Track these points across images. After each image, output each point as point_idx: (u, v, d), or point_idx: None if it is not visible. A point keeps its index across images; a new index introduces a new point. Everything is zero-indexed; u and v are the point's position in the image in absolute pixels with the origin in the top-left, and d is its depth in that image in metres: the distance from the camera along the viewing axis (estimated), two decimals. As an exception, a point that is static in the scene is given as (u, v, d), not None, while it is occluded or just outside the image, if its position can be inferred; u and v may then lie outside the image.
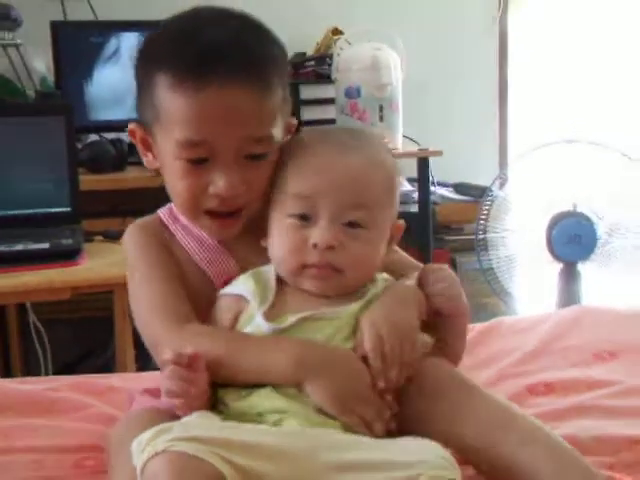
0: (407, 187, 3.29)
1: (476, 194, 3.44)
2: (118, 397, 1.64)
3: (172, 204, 1.42)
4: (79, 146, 2.93)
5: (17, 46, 3.12)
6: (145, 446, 1.07)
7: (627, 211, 3.12)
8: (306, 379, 1.20)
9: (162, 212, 1.44)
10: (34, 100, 3.14)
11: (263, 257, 1.35)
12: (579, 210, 3.13)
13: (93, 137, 3.16)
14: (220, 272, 1.38)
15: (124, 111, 3.17)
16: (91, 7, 3.34)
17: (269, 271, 1.33)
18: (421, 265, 1.44)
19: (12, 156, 2.58)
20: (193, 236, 1.39)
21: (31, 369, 3.06)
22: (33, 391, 1.67)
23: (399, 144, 3.30)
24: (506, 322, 1.99)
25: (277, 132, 1.32)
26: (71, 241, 2.43)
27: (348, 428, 1.19)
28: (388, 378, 1.22)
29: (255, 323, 1.27)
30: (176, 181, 1.31)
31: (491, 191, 3.17)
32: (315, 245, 1.26)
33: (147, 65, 1.33)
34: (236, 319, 1.30)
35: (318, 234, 1.26)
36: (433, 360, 1.31)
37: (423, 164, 3.33)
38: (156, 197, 2.87)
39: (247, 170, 1.29)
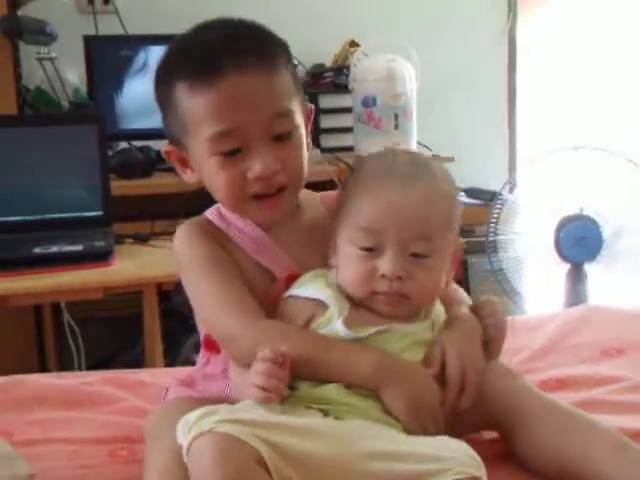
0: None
1: (486, 198, 3.44)
2: (148, 391, 1.66)
3: (218, 206, 1.42)
4: (110, 153, 2.93)
5: (52, 59, 3.13)
6: (192, 426, 1.09)
7: (632, 215, 3.11)
8: (385, 385, 1.24)
9: (210, 214, 1.43)
10: (68, 110, 3.15)
11: (315, 256, 1.38)
12: (585, 213, 3.12)
13: (123, 145, 3.17)
14: (280, 266, 1.37)
15: (152, 120, 3.17)
16: (121, 22, 3.34)
17: (333, 278, 1.35)
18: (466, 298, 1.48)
19: (47, 163, 2.59)
20: (247, 235, 1.38)
21: (65, 365, 3.07)
22: (68, 385, 1.69)
23: (413, 150, 3.30)
24: (516, 321, 1.97)
25: (296, 109, 1.33)
26: (103, 243, 2.45)
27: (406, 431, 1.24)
28: (457, 404, 1.27)
29: (333, 328, 1.28)
30: (215, 177, 1.31)
31: (501, 195, 3.16)
32: (384, 276, 1.28)
33: (164, 84, 1.34)
34: (309, 321, 1.31)
35: (387, 266, 1.28)
36: None
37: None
38: (183, 201, 2.90)
39: (277, 151, 1.30)
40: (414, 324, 1.33)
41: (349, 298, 1.33)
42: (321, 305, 1.32)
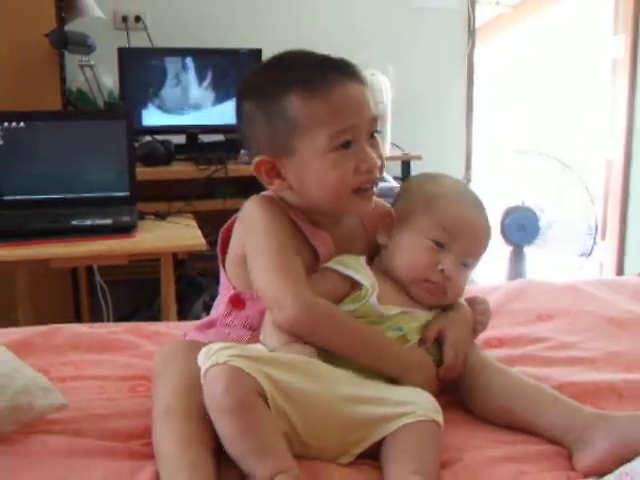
0: (392, 183, 3.30)
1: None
2: (162, 339, 1.66)
3: (267, 192, 1.38)
4: (136, 145, 2.93)
5: (91, 66, 3.12)
6: (212, 355, 1.11)
7: (562, 207, 3.13)
8: (405, 377, 1.26)
9: (269, 194, 1.37)
10: (102, 108, 3.15)
11: (353, 243, 1.38)
12: (526, 205, 3.15)
13: (147, 138, 3.16)
14: (326, 251, 1.34)
15: (171, 118, 3.21)
16: (149, 37, 3.35)
17: (364, 261, 1.35)
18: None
19: (84, 151, 2.58)
20: (301, 217, 1.34)
21: (96, 318, 3.08)
22: (97, 333, 1.68)
23: (387, 149, 3.30)
24: (467, 290, 1.98)
25: None
26: (128, 218, 2.44)
27: None
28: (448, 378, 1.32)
29: (367, 302, 1.29)
30: (327, 174, 1.25)
31: (458, 188, 3.16)
32: (442, 270, 1.32)
33: (270, 96, 1.28)
34: (344, 295, 1.31)
35: (449, 264, 1.32)
36: None
37: (406, 166, 3.37)
38: (195, 186, 2.90)
39: (375, 147, 1.29)
40: (429, 312, 1.35)
41: (378, 279, 1.33)
42: (355, 283, 1.31)
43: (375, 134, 1.31)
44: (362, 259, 1.35)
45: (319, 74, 1.25)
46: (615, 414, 1.22)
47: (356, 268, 1.32)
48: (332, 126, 1.24)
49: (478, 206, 1.39)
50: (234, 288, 1.38)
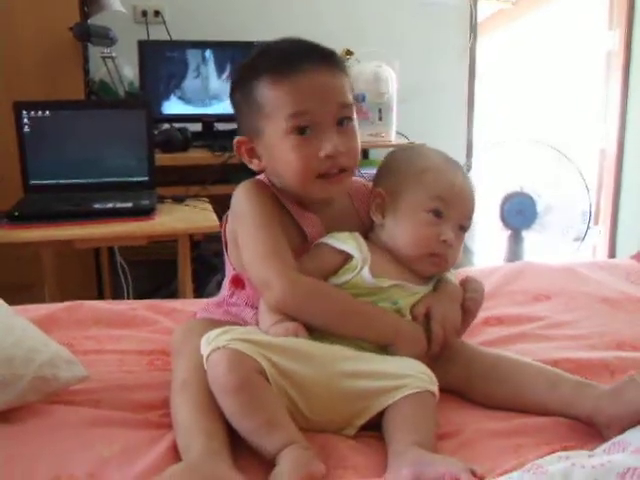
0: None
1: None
2: (179, 316, 1.66)
3: (260, 177, 1.37)
4: (155, 132, 2.91)
5: (113, 58, 3.11)
6: (212, 341, 1.11)
7: (559, 194, 3.12)
8: (396, 345, 1.23)
9: (263, 178, 1.37)
10: (123, 98, 3.13)
11: (343, 223, 1.35)
12: (525, 191, 3.13)
13: (166, 126, 3.15)
14: (315, 232, 1.33)
15: (188, 108, 3.20)
16: (167, 30, 3.33)
17: (359, 236, 1.32)
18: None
19: (106, 139, 2.57)
20: (289, 199, 1.33)
21: (117, 295, 3.08)
22: (118, 310, 1.68)
23: (393, 137, 3.29)
24: (468, 271, 1.97)
25: (353, 107, 1.31)
26: (148, 202, 2.43)
27: None
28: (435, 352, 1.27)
29: (360, 275, 1.26)
30: (289, 156, 1.24)
31: (460, 175, 3.15)
32: (445, 241, 1.28)
33: (245, 83, 1.29)
34: (337, 268, 1.28)
35: (450, 234, 1.29)
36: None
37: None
38: (211, 172, 2.89)
39: (341, 134, 1.26)
40: (421, 286, 1.32)
41: (372, 252, 1.30)
42: (347, 256, 1.29)
43: (349, 123, 1.28)
44: (356, 234, 1.32)
45: (286, 61, 1.25)
46: None
47: (347, 241, 1.30)
48: (290, 108, 1.23)
49: (462, 172, 1.36)
50: (234, 269, 1.38)
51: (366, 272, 1.26)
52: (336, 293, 1.25)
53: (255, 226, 1.28)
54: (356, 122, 1.31)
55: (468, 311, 1.34)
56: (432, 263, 1.30)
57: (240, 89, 1.31)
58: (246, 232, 1.30)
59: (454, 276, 1.40)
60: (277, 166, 1.29)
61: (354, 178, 1.36)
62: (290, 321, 1.20)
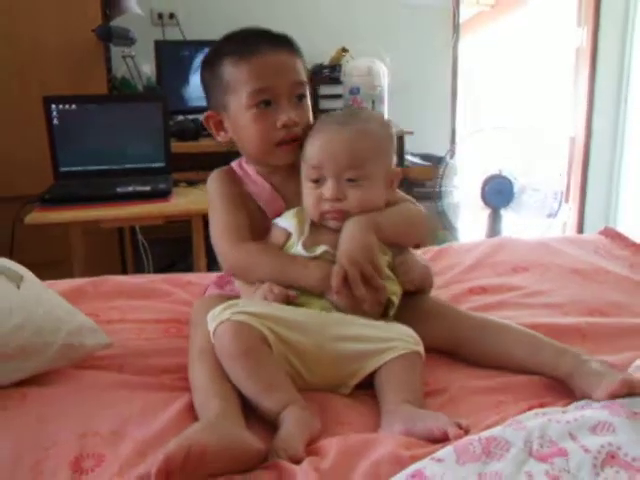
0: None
1: (435, 161, 3.40)
2: (194, 288, 1.64)
3: (240, 159, 1.39)
4: (171, 123, 2.89)
5: (132, 57, 3.08)
6: (217, 316, 1.10)
7: (531, 177, 3.11)
8: (327, 289, 1.19)
9: (234, 164, 1.40)
10: (142, 92, 3.11)
11: (299, 196, 1.31)
12: (503, 174, 3.11)
13: (180, 117, 3.12)
14: (273, 209, 1.34)
15: (200, 100, 3.14)
16: (181, 31, 3.30)
17: (303, 212, 1.29)
18: (412, 199, 1.42)
19: (127, 129, 2.55)
20: (255, 182, 1.35)
21: (138, 270, 3.07)
22: (139, 283, 1.67)
23: (384, 127, 3.26)
24: (453, 246, 1.96)
25: (306, 86, 1.32)
26: (164, 185, 2.41)
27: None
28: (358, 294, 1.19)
29: (296, 250, 1.25)
30: (251, 127, 1.27)
31: (445, 159, 3.15)
32: (327, 199, 1.24)
33: (212, 63, 1.31)
34: (283, 243, 1.28)
35: (327, 191, 1.24)
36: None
37: (400, 140, 3.30)
38: (221, 158, 2.87)
39: (297, 108, 1.28)
40: None
41: (313, 226, 1.28)
42: (288, 232, 1.28)
43: (302, 98, 1.30)
44: (301, 209, 1.30)
45: (248, 44, 1.27)
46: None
47: (288, 218, 1.29)
48: (251, 85, 1.25)
49: (342, 123, 1.26)
50: None
51: (299, 246, 1.25)
52: (272, 252, 1.27)
53: (217, 208, 1.34)
54: (309, 99, 1.33)
55: (412, 290, 1.30)
56: (332, 219, 1.25)
57: (208, 69, 1.33)
58: (211, 213, 1.35)
59: (419, 255, 1.39)
60: (241, 136, 1.32)
61: None
62: (263, 286, 1.21)
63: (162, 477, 0.85)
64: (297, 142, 1.29)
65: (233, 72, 1.26)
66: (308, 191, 1.27)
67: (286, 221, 1.29)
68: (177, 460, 0.86)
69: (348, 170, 1.23)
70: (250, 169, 1.37)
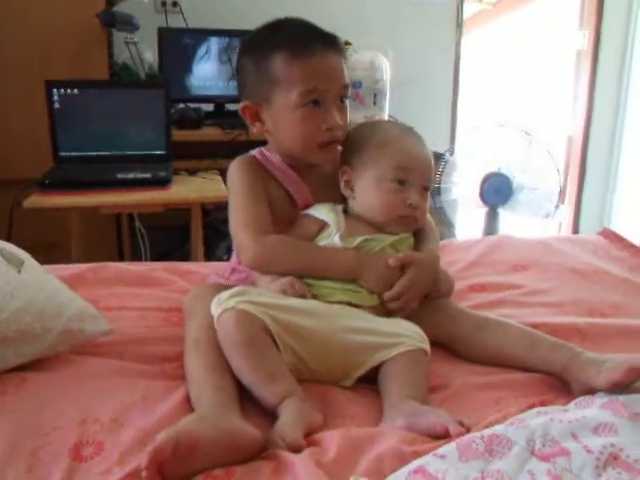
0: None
1: (434, 157, 3.40)
2: (192, 277, 1.63)
3: (261, 148, 1.37)
4: (172, 111, 2.86)
5: (135, 43, 3.05)
6: (222, 303, 1.09)
7: (529, 176, 3.11)
8: (361, 272, 1.23)
9: (255, 153, 1.37)
10: (144, 79, 3.09)
11: (329, 192, 1.34)
12: (502, 172, 3.11)
13: (181, 105, 3.09)
14: (302, 197, 1.34)
15: (202, 89, 3.15)
16: (184, 19, 3.26)
17: (339, 208, 1.32)
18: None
19: (129, 115, 2.53)
20: (282, 171, 1.34)
21: (136, 257, 3.06)
22: (138, 270, 1.65)
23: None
24: (454, 243, 1.96)
25: (349, 85, 1.32)
26: (165, 173, 2.39)
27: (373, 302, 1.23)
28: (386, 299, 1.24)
29: (331, 241, 1.26)
30: (296, 127, 1.26)
31: (444, 156, 3.14)
32: (411, 205, 1.28)
33: (258, 54, 1.28)
34: (315, 235, 1.29)
35: (415, 197, 1.29)
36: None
37: (400, 136, 3.30)
38: (221, 147, 2.86)
39: (341, 110, 1.28)
40: (387, 236, 1.30)
41: (347, 220, 1.30)
42: (325, 224, 1.30)
43: (344, 100, 1.30)
44: (337, 207, 1.33)
45: (302, 41, 1.25)
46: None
47: (325, 212, 1.31)
48: (304, 86, 1.24)
49: (420, 140, 1.35)
50: None
51: (336, 237, 1.26)
52: (298, 243, 1.27)
53: (238, 197, 1.30)
54: (348, 100, 1.33)
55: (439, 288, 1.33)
56: (403, 224, 1.31)
57: (252, 58, 1.29)
58: (232, 202, 1.32)
59: (438, 245, 1.40)
60: (282, 133, 1.30)
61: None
62: (280, 278, 1.21)
63: (153, 469, 0.85)
64: (337, 143, 1.31)
65: (285, 69, 1.24)
66: (389, 191, 1.29)
67: (322, 214, 1.31)
68: (166, 451, 0.85)
69: (428, 179, 1.32)
70: (274, 158, 1.35)
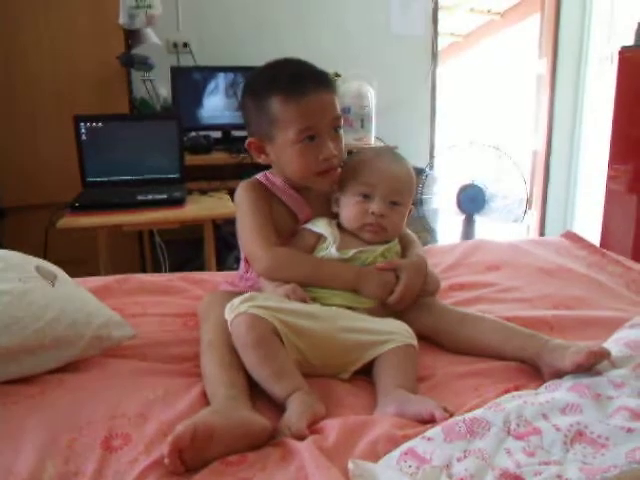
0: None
1: (416, 172, 3.38)
2: (206, 285, 1.63)
3: (265, 172, 1.38)
4: (185, 138, 2.88)
5: (151, 81, 3.07)
6: (235, 308, 1.09)
7: (499, 186, 3.12)
8: (361, 284, 1.24)
9: (260, 177, 1.37)
10: (160, 112, 3.11)
11: (327, 208, 1.35)
12: (475, 183, 3.11)
13: (193, 134, 3.09)
14: (303, 214, 1.34)
15: (210, 118, 3.14)
16: (194, 58, 3.27)
17: (334, 223, 1.33)
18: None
19: (147, 144, 2.53)
20: (285, 192, 1.34)
21: (156, 269, 3.05)
22: (158, 281, 1.65)
23: (372, 141, 3.23)
24: (435, 247, 1.96)
25: (341, 115, 1.31)
26: (179, 194, 2.39)
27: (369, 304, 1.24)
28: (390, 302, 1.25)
29: (329, 252, 1.27)
30: (296, 160, 1.26)
31: (425, 171, 3.14)
32: (373, 213, 1.28)
33: (259, 96, 1.27)
34: (313, 246, 1.30)
35: (375, 206, 1.28)
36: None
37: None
38: (229, 170, 2.85)
39: (335, 139, 1.28)
40: (379, 246, 1.30)
41: (342, 234, 1.30)
42: (322, 237, 1.30)
43: (338, 129, 1.30)
44: (333, 221, 1.33)
45: (296, 82, 1.24)
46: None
47: (322, 226, 1.31)
48: (299, 125, 1.23)
49: (395, 159, 1.34)
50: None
51: (333, 249, 1.27)
52: (305, 257, 1.28)
53: (248, 216, 1.31)
54: (342, 129, 1.32)
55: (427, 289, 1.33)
56: (370, 231, 1.30)
57: (253, 99, 1.29)
58: (240, 219, 1.33)
59: (422, 251, 1.39)
60: (284, 164, 1.30)
61: None
62: (284, 284, 1.22)
63: (175, 456, 0.85)
64: (335, 170, 1.31)
65: (282, 110, 1.24)
66: (354, 203, 1.30)
67: (319, 228, 1.31)
68: (185, 440, 0.86)
69: (396, 194, 1.29)
70: (278, 181, 1.35)
